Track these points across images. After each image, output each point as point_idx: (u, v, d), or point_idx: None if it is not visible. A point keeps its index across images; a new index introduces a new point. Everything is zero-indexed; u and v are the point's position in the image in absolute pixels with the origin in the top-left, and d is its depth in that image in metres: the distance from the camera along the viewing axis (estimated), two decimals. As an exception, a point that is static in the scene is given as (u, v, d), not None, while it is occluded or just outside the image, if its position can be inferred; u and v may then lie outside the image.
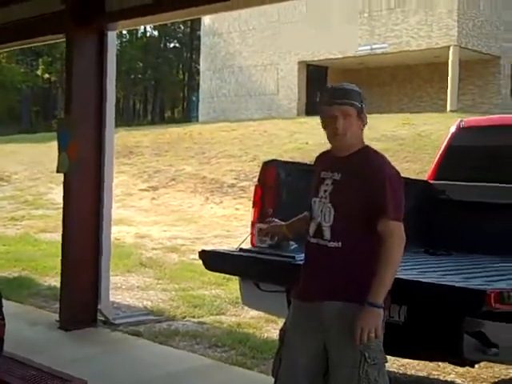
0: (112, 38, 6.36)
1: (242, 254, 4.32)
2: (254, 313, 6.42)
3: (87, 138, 6.19)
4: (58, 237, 11.75)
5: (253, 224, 4.55)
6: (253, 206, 4.63)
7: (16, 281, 8.08)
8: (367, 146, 3.02)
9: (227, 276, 7.41)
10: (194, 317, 6.57)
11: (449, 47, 25.30)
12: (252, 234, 4.55)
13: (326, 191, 2.96)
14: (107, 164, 6.32)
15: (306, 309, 2.99)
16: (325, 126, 2.98)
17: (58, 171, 6.33)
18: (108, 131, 6.31)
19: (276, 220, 3.54)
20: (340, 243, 2.88)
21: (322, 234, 2.93)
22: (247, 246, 4.49)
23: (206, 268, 4.48)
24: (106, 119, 6.29)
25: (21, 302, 7.02)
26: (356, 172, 2.91)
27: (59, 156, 6.21)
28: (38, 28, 6.65)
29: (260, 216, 4.48)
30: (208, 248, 4.90)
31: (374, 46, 27.15)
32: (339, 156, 2.99)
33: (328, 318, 2.89)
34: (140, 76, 54.30)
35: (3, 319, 3.01)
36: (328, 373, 2.96)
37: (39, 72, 45.12)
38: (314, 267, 2.98)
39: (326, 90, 3.04)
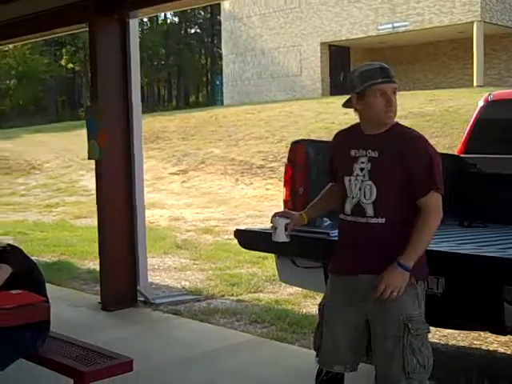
0: (134, 25, 6.44)
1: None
2: (291, 289, 6.54)
3: (115, 125, 6.30)
4: (92, 222, 12.00)
5: (285, 202, 4.64)
6: (284, 185, 4.69)
7: (56, 265, 8.28)
8: (398, 123, 3.06)
9: (262, 254, 7.53)
10: (232, 295, 6.70)
11: (472, 23, 24.99)
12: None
13: (362, 169, 3.00)
14: (136, 149, 6.44)
15: (345, 283, 3.06)
16: (376, 104, 2.96)
17: (89, 158, 6.47)
18: (135, 117, 6.42)
19: (287, 211, 3.51)
20: (383, 219, 2.94)
21: (362, 212, 2.98)
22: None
23: (242, 247, 4.58)
24: (133, 105, 6.40)
25: (62, 285, 7.23)
26: (396, 148, 2.95)
27: (89, 143, 6.34)
28: (61, 18, 6.74)
29: (291, 194, 4.58)
30: (243, 227, 4.98)
31: (395, 25, 26.91)
32: (370, 134, 3.03)
33: (369, 291, 2.94)
34: (163, 62, 54.41)
35: (48, 301, 3.15)
36: (370, 345, 3.04)
37: (63, 62, 45.40)
38: (353, 243, 3.03)
39: (374, 69, 2.99)
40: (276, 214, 3.26)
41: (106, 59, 6.26)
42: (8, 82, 43.93)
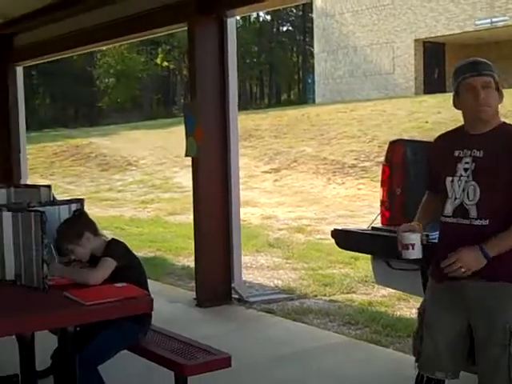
0: (231, 24, 6.53)
1: (374, 232, 4.37)
2: (384, 291, 6.45)
3: (212, 122, 6.39)
4: (186, 219, 12.22)
5: (382, 203, 4.58)
6: (381, 186, 4.62)
7: (152, 261, 8.49)
8: (505, 122, 2.97)
9: (354, 255, 7.48)
10: (325, 295, 6.68)
11: None
12: (382, 212, 4.58)
13: (466, 169, 2.91)
14: (232, 146, 6.51)
15: (447, 288, 2.97)
16: (466, 100, 2.92)
17: (186, 155, 6.58)
18: (232, 115, 6.49)
19: (410, 225, 3.19)
20: (487, 221, 2.85)
21: (464, 213, 2.90)
22: (377, 224, 4.53)
23: (339, 247, 4.54)
24: (230, 103, 6.47)
25: (158, 280, 7.39)
26: (503, 147, 2.86)
27: (187, 140, 6.45)
28: (160, 18, 6.88)
29: (389, 195, 4.51)
30: (340, 227, 4.95)
31: (494, 20, 26.06)
32: (475, 133, 2.94)
33: (473, 296, 2.87)
34: (255, 60, 54.78)
35: (149, 295, 3.23)
36: (473, 352, 2.95)
37: (158, 60, 46.44)
38: (455, 246, 2.91)
39: (465, 64, 2.99)
40: (401, 230, 3.04)
41: (204, 57, 6.36)
42: (107, 80, 45.37)
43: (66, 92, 43.50)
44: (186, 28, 6.53)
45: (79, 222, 3.58)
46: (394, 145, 4.60)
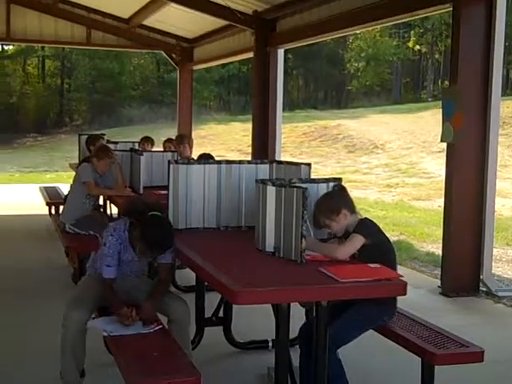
0: (501, 4, 6.13)
1: None
2: None
3: (472, 108, 6.17)
4: (431, 205, 12.00)
5: None
6: None
7: (395, 244, 8.37)
8: None
9: None
10: None
11: None
12: None
13: None
14: (492, 135, 6.23)
15: None
16: None
17: (441, 140, 6.43)
18: (494, 102, 6.20)
19: None
20: None
21: None
22: None
23: None
24: (492, 90, 6.18)
25: (402, 264, 7.34)
26: None
27: (443, 126, 6.29)
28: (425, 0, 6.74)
29: None
30: None
31: None
32: None
33: None
34: (513, 43, 51.58)
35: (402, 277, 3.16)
36: None
37: (410, 44, 45.66)
38: None
39: None
40: None
41: (469, 40, 6.14)
42: (357, 64, 45.68)
43: (318, 74, 44.62)
44: (451, 9, 6.32)
45: (338, 198, 3.64)
46: None
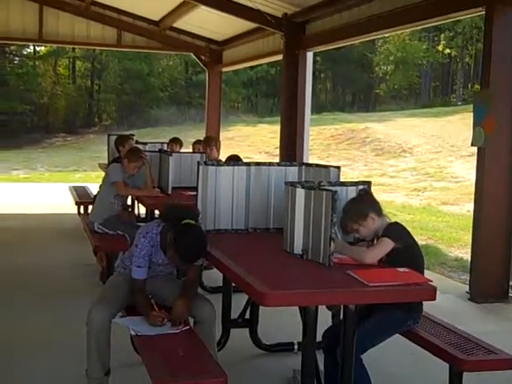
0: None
1: None
2: None
3: (504, 112, 6.11)
4: (459, 210, 11.88)
5: None
6: None
7: (423, 249, 8.31)
8: None
9: None
10: None
11: None
12: None
13: None
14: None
15: None
16: None
17: (472, 144, 6.37)
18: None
19: None
20: None
21: None
22: None
23: None
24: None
25: (429, 269, 7.28)
26: None
27: (474, 129, 6.24)
28: (458, 2, 6.68)
29: None
30: None
31: None
32: None
33: None
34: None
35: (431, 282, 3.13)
36: None
37: (440, 47, 45.31)
38: None
39: None
40: None
41: (501, 43, 6.09)
42: (385, 67, 45.45)
43: (346, 77, 44.47)
44: (483, 12, 6.27)
45: (365, 202, 3.62)
46: None
